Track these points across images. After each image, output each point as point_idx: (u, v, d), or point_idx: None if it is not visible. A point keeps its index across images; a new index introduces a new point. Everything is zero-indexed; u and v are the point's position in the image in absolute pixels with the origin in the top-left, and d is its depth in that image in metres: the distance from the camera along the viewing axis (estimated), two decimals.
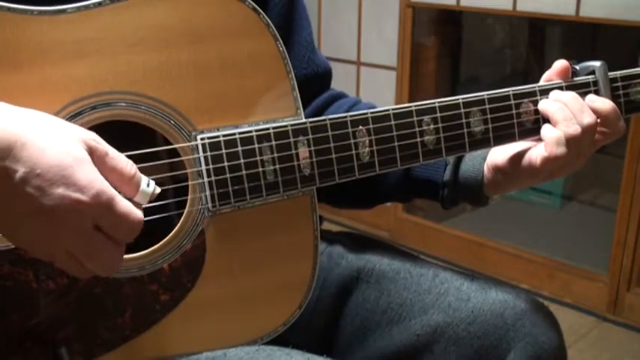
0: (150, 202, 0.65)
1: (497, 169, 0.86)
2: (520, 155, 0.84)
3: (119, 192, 0.63)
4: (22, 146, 0.58)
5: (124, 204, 0.61)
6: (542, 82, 0.86)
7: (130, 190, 0.64)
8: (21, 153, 0.57)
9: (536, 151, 0.82)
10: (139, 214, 0.63)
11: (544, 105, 0.82)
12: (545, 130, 0.81)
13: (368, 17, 2.70)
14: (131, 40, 0.70)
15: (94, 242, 0.61)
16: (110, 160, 0.62)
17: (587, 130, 0.80)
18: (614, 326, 2.23)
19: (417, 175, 0.91)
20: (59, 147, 0.59)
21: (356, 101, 0.99)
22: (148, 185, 0.65)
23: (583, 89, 0.84)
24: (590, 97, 0.83)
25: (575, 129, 0.79)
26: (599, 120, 0.81)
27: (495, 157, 0.86)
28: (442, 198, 0.91)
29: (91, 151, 0.61)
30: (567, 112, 0.80)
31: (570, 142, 0.79)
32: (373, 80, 2.74)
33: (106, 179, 0.61)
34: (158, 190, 0.66)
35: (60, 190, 0.58)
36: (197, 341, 0.75)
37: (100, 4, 0.69)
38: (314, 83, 0.96)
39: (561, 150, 0.79)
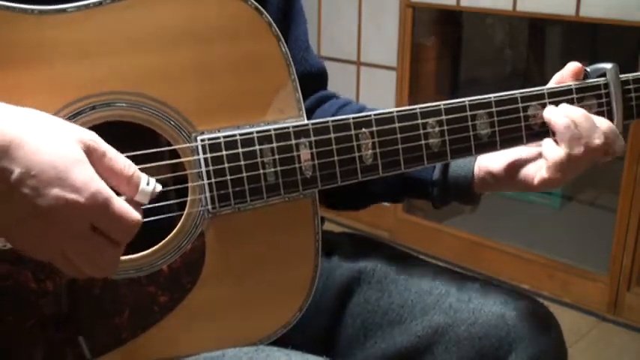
0: (151, 200, 0.65)
1: (489, 173, 0.85)
2: (517, 166, 0.82)
3: (119, 192, 0.62)
4: (18, 146, 0.57)
5: (120, 204, 0.61)
6: (553, 83, 0.84)
7: (129, 190, 0.63)
8: (17, 153, 0.57)
9: (535, 169, 0.81)
10: (136, 214, 0.62)
11: (552, 116, 0.80)
12: (548, 149, 0.79)
13: (368, 17, 2.69)
14: (132, 40, 0.69)
15: (90, 243, 0.61)
16: (108, 161, 0.62)
17: (594, 151, 0.78)
18: (614, 326, 2.23)
19: (407, 174, 0.89)
20: (55, 147, 0.58)
21: (346, 102, 0.97)
22: (148, 184, 0.64)
23: (594, 92, 0.83)
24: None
25: (578, 150, 0.77)
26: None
27: (490, 161, 0.85)
28: (432, 197, 0.90)
29: (89, 152, 0.61)
30: (576, 131, 0.77)
31: (572, 161, 0.77)
32: (373, 80, 2.73)
33: (104, 180, 0.61)
34: (159, 188, 0.65)
35: (55, 191, 0.58)
36: (196, 343, 0.75)
37: (100, 3, 0.68)
38: (306, 82, 0.94)
39: (562, 173, 0.78)
